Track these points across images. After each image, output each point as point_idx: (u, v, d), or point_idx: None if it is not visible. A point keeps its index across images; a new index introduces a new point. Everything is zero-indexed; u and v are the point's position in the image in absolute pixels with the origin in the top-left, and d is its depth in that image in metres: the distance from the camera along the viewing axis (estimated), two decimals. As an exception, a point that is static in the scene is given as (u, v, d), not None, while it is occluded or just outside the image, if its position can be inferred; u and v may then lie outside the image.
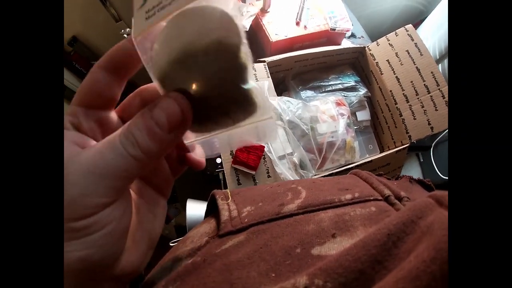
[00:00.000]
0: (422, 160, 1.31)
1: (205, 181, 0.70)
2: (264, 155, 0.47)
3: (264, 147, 0.46)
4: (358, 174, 0.28)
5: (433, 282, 0.11)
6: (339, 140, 0.52)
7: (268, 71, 0.55)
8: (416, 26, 0.67)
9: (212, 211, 0.24)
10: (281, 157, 0.45)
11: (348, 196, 0.22)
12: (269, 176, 0.46)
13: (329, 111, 0.54)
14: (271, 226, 0.19)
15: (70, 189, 0.12)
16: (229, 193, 0.25)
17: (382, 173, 0.34)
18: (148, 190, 0.19)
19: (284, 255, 0.16)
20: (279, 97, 0.47)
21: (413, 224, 0.16)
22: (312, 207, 0.21)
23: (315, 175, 0.50)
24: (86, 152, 0.13)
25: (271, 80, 0.54)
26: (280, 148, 0.46)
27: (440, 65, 0.82)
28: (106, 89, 0.16)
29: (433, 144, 1.19)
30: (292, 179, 0.44)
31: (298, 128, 0.46)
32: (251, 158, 0.44)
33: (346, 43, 0.74)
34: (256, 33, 0.69)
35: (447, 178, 1.19)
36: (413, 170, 1.34)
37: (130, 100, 0.18)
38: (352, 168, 0.50)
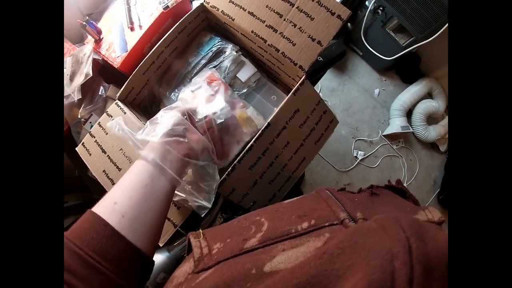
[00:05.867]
0: (361, 54, 1.15)
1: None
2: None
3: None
4: (321, 193, 0.30)
5: None
6: (226, 120, 0.45)
7: (122, 107, 0.49)
8: None
9: (190, 250, 0.29)
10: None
11: (305, 225, 0.25)
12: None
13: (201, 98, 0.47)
14: (235, 260, 0.24)
15: None
16: (201, 232, 0.29)
17: (345, 188, 0.35)
18: None
19: (244, 278, 0.20)
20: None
21: (352, 244, 0.18)
22: (271, 240, 0.24)
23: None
24: None
25: (128, 113, 0.48)
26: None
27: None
28: None
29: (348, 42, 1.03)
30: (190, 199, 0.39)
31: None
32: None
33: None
34: (108, 69, 0.62)
35: (388, 58, 1.04)
36: (359, 66, 1.18)
37: None
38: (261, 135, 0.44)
